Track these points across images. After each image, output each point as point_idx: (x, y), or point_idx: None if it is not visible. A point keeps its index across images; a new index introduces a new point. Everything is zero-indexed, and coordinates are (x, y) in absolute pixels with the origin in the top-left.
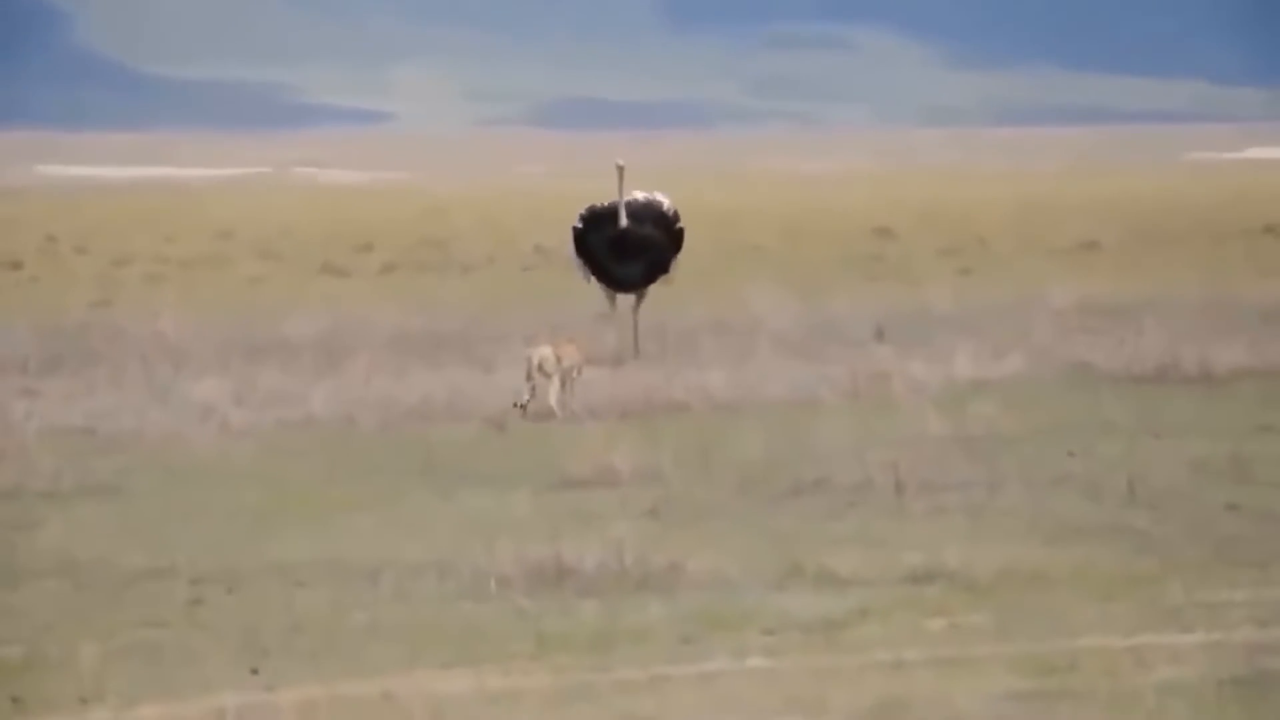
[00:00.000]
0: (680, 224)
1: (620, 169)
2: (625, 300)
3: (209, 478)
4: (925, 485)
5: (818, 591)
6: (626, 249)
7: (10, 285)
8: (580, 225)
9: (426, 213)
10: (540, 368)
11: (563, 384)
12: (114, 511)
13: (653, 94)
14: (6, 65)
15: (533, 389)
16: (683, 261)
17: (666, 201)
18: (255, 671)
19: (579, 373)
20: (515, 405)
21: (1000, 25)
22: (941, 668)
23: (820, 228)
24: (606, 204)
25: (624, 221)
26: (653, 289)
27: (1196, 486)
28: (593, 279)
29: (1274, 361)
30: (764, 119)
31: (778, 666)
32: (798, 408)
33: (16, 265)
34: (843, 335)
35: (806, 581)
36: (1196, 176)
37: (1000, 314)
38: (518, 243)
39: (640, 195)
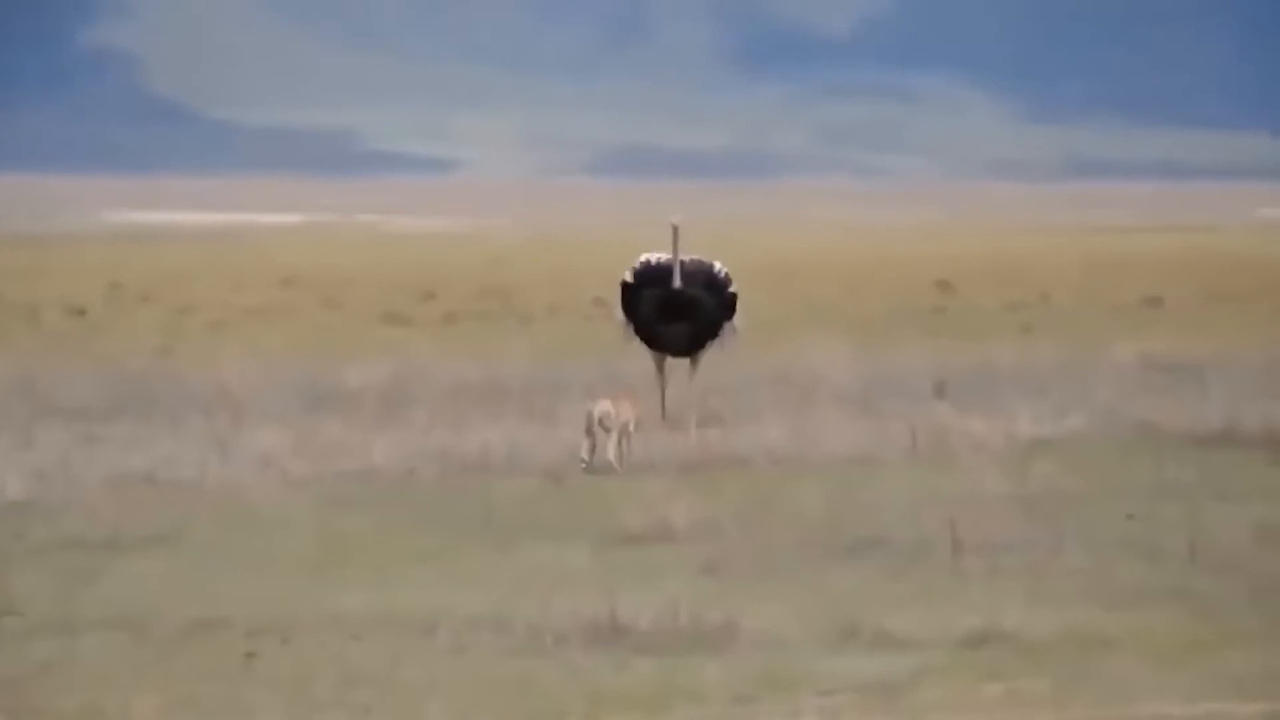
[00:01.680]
0: (733, 288)
1: (675, 228)
2: (675, 363)
3: (267, 528)
4: (984, 545)
5: (873, 653)
6: (676, 310)
7: (74, 332)
8: (630, 280)
9: (489, 262)
10: (600, 422)
11: (620, 439)
12: (172, 561)
13: (716, 143)
14: (72, 109)
15: (593, 444)
16: (741, 311)
17: (719, 265)
18: None
19: (634, 427)
20: (581, 462)
21: (1067, 79)
22: None
23: (882, 280)
24: (659, 260)
25: (678, 281)
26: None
27: (1259, 551)
28: (636, 340)
29: None
30: (827, 169)
31: None
32: (857, 464)
33: (80, 312)
34: (903, 390)
35: (862, 642)
36: (1265, 233)
37: (1062, 371)
38: (579, 293)
39: (694, 256)
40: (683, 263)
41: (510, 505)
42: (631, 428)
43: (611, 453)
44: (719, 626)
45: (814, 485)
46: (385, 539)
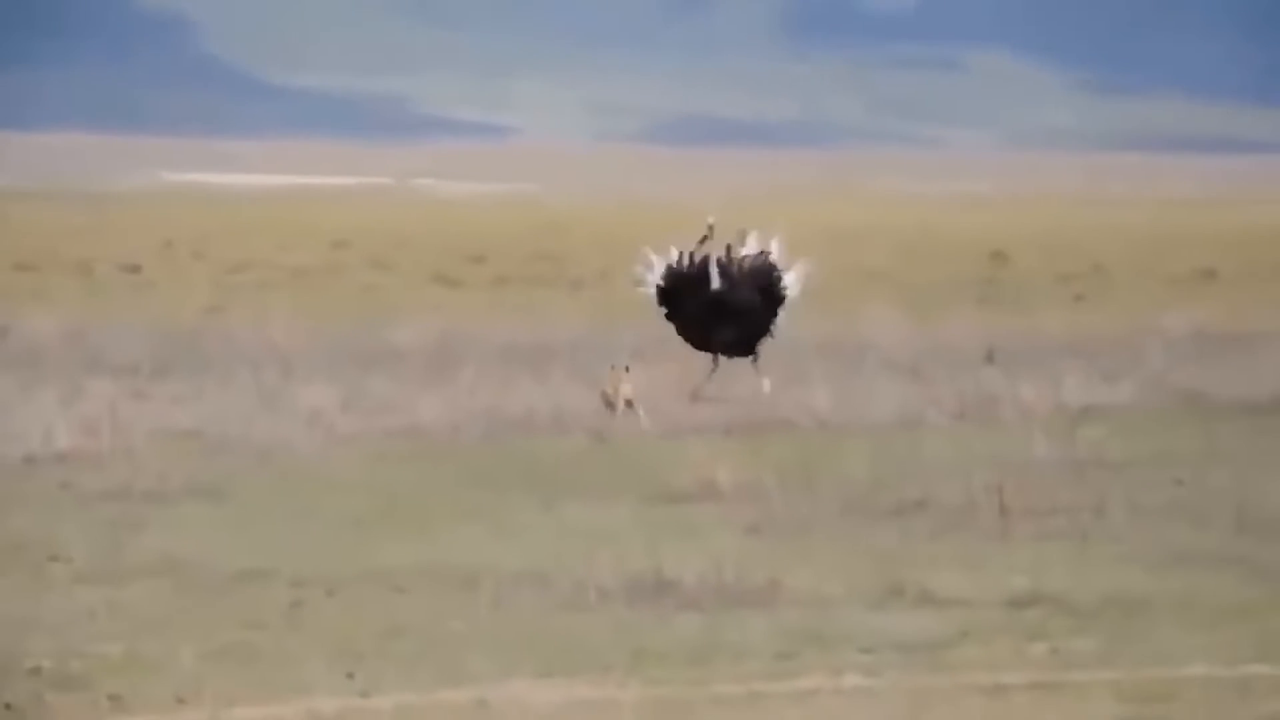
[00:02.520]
0: (785, 284)
1: (711, 227)
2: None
3: (313, 483)
4: (1030, 509)
5: (917, 612)
6: (720, 315)
7: (127, 288)
8: (663, 285)
9: (542, 226)
10: (624, 399)
11: (640, 408)
12: (218, 514)
13: (771, 113)
14: (132, 72)
15: (619, 405)
16: (794, 279)
17: (770, 254)
18: (351, 676)
19: (647, 401)
20: (607, 405)
21: (1124, 52)
22: (1042, 693)
23: (935, 250)
24: (693, 264)
25: (716, 283)
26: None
27: None
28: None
29: None
30: (882, 140)
31: (875, 685)
32: (904, 428)
33: (134, 269)
34: (953, 358)
35: (906, 601)
36: None
37: (1113, 341)
38: (632, 259)
39: (741, 249)
40: (721, 262)
41: (555, 464)
42: (638, 407)
43: (643, 417)
44: (763, 585)
45: (860, 448)
46: (430, 495)
